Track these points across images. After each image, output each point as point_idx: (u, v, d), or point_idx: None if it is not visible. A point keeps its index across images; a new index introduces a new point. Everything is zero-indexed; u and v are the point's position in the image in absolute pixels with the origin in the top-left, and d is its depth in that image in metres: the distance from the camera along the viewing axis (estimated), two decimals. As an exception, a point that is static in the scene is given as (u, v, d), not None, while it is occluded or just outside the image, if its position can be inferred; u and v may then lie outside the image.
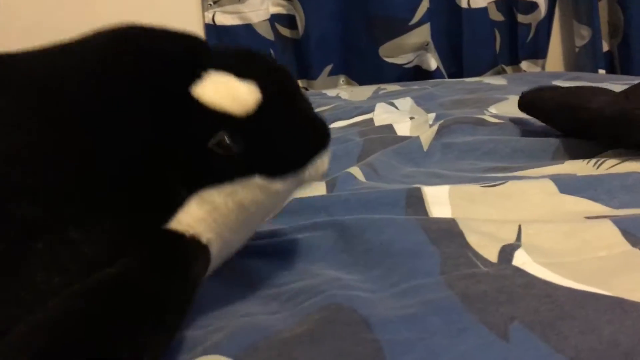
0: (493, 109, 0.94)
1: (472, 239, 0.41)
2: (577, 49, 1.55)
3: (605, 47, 1.55)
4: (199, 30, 1.34)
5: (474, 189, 0.51)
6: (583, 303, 0.34)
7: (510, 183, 0.51)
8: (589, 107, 0.61)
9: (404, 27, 1.37)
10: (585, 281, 0.36)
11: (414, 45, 1.39)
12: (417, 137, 0.71)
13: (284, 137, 0.34)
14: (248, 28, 1.33)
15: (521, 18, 1.50)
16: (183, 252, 0.30)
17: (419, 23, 1.38)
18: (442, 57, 1.45)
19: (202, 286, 0.32)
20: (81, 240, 0.28)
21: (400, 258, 0.41)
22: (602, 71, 1.50)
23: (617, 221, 0.42)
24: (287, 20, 1.38)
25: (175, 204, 0.31)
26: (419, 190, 0.50)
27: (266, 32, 1.34)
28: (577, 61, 1.57)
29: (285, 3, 1.37)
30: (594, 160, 0.60)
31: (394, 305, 0.35)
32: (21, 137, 0.29)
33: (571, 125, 0.66)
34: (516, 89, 1.13)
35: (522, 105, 0.74)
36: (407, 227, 0.43)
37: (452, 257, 0.39)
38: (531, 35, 1.51)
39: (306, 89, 1.40)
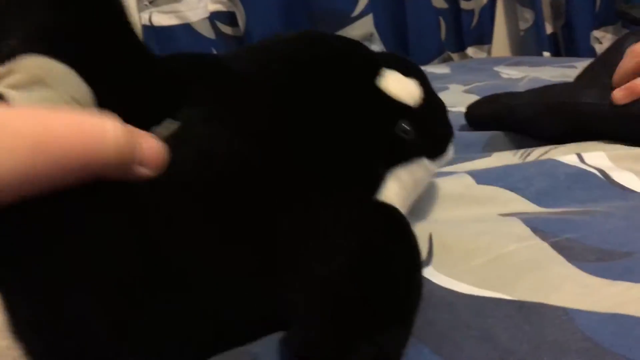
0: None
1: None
2: (521, 33, 1.56)
3: (549, 29, 1.56)
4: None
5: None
6: (482, 310, 0.33)
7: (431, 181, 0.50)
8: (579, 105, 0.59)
9: (347, 20, 1.36)
10: (488, 286, 0.35)
11: (358, 37, 1.38)
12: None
13: (438, 126, 0.42)
14: (187, 27, 1.29)
15: (464, 4, 1.49)
16: (404, 220, 0.33)
17: (362, 15, 1.36)
18: (389, 47, 1.44)
19: None
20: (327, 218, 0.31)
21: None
22: (546, 54, 1.51)
23: (526, 220, 0.41)
24: (228, 17, 1.35)
25: (379, 182, 0.35)
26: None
27: (206, 31, 1.31)
28: (522, 45, 1.58)
29: (224, 0, 1.34)
30: (520, 152, 0.60)
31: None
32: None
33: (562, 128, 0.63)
34: (458, 78, 1.13)
35: (476, 120, 0.71)
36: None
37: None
38: (475, 21, 1.51)
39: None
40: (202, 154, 0.29)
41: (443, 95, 0.95)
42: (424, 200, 0.47)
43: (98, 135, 0.22)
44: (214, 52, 1.32)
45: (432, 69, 1.28)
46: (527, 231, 0.40)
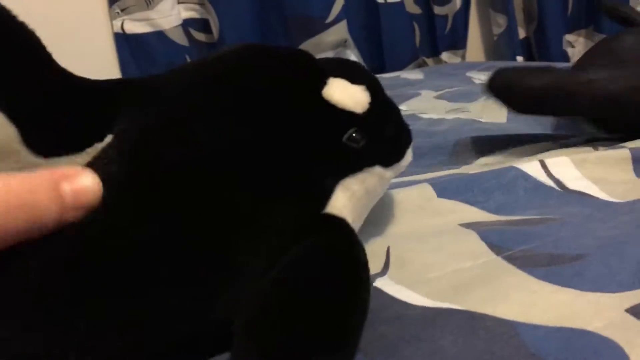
0: (404, 107, 0.94)
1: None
2: (495, 37, 1.58)
3: (522, 34, 1.58)
4: (108, 41, 1.29)
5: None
6: (433, 322, 0.33)
7: (388, 192, 0.50)
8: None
9: (321, 26, 1.36)
10: (441, 297, 0.35)
11: (332, 42, 1.38)
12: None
13: (390, 132, 0.40)
14: (160, 35, 1.29)
15: (438, 10, 1.50)
16: (349, 232, 0.33)
17: (336, 20, 1.37)
18: (363, 52, 1.45)
19: None
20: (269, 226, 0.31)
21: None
22: (520, 58, 1.52)
23: (483, 234, 0.41)
24: (201, 24, 1.34)
25: (327, 194, 0.35)
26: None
27: (179, 38, 1.30)
28: (495, 49, 1.60)
29: (197, 7, 1.33)
30: (486, 158, 0.60)
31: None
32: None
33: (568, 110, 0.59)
34: (430, 83, 1.13)
35: (495, 89, 0.61)
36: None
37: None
38: (449, 26, 1.53)
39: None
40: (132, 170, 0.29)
41: (415, 102, 0.97)
42: (384, 210, 0.47)
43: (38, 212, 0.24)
44: (188, 59, 1.32)
45: (406, 75, 1.29)
46: (483, 247, 0.40)
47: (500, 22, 1.55)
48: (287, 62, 0.37)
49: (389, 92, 1.08)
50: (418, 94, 1.04)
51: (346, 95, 0.37)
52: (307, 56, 0.39)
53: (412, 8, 1.50)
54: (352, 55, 1.40)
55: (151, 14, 1.28)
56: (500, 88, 0.61)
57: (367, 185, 0.38)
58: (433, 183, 0.50)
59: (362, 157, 0.37)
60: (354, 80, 0.38)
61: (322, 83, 0.37)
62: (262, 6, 1.35)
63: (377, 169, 0.39)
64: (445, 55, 1.54)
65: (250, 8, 1.34)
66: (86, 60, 1.30)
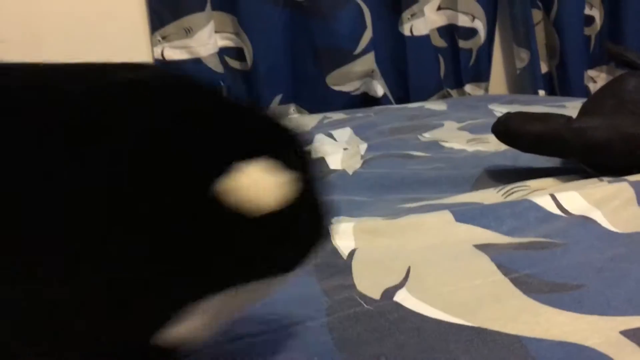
0: (428, 135, 0.99)
1: (362, 284, 0.44)
2: (517, 71, 1.62)
3: (544, 68, 1.62)
4: (148, 66, 1.37)
5: (377, 223, 0.54)
6: (447, 335, 0.37)
7: (411, 215, 0.55)
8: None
9: (349, 57, 1.42)
10: (454, 312, 0.39)
11: (360, 73, 1.44)
12: (344, 170, 0.75)
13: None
14: (197, 62, 1.36)
15: (462, 44, 1.56)
16: None
17: (364, 52, 1.43)
18: (389, 82, 1.50)
19: None
20: None
21: (296, 300, 0.44)
22: (542, 92, 1.56)
23: (493, 255, 0.46)
24: (236, 52, 1.41)
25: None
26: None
27: (215, 66, 1.38)
28: (518, 83, 1.64)
29: (233, 36, 1.41)
30: (506, 189, 0.65)
31: (277, 349, 0.38)
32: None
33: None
34: (454, 115, 1.18)
35: (500, 134, 0.68)
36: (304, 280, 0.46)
37: (340, 301, 0.42)
38: (473, 59, 1.58)
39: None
40: None
41: (438, 131, 1.02)
42: (406, 231, 0.52)
43: None
44: (222, 85, 1.39)
45: (430, 105, 1.34)
46: (492, 267, 0.45)
47: (523, 57, 1.59)
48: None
49: (410, 123, 1.14)
50: (441, 125, 1.08)
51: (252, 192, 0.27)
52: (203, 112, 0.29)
53: (438, 41, 1.55)
54: (379, 86, 1.46)
55: (190, 42, 1.35)
56: (503, 133, 0.69)
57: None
58: (452, 209, 0.55)
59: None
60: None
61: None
62: (293, 36, 1.42)
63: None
64: (468, 87, 1.59)
65: (283, 38, 1.41)
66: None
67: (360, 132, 1.04)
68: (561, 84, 1.59)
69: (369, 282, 0.45)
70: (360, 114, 1.27)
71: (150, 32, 1.35)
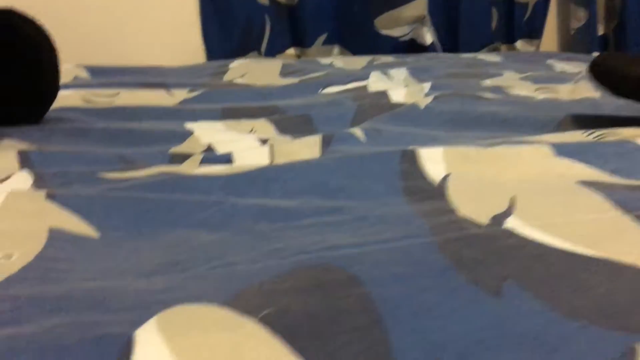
0: (488, 81, 0.94)
1: (464, 209, 0.41)
2: (572, 31, 1.55)
3: (601, 30, 1.54)
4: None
5: (469, 150, 0.50)
6: (574, 264, 0.33)
7: (505, 146, 0.50)
8: None
9: (401, 0, 1.36)
10: (576, 243, 0.35)
11: (411, 18, 1.38)
12: (414, 104, 0.70)
13: None
14: (243, -9, 1.30)
15: (519, -4, 1.48)
16: None
17: (417, -5, 1.36)
18: (439, 31, 1.44)
19: None
20: None
21: (390, 219, 0.40)
22: (596, 54, 1.49)
23: (610, 193, 0.41)
24: (283, -15, 1.35)
25: None
26: (413, 151, 0.49)
27: (261, -3, 1.32)
28: (571, 43, 1.57)
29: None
30: (595, 133, 0.60)
31: (383, 261, 0.34)
32: None
33: None
34: (511, 66, 1.12)
35: (598, 73, 0.63)
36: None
37: (443, 223, 0.39)
38: (528, 15, 1.50)
39: (299, 57, 1.38)
40: None
41: (498, 79, 0.96)
42: (500, 161, 0.48)
43: None
44: (267, 19, 1.33)
45: (482, 57, 1.27)
46: (607, 204, 0.40)
47: (580, 16, 1.52)
48: None
49: (467, 70, 1.08)
50: (500, 74, 1.03)
51: None
52: None
53: (494, -8, 1.48)
54: (428, 33, 1.39)
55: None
56: (604, 73, 0.63)
57: None
58: (549, 144, 0.51)
59: None
60: None
61: None
62: (345, -27, 1.35)
63: None
64: (519, 44, 1.52)
65: (334, -26, 1.35)
66: (168, 16, 1.32)
67: (415, 74, 0.99)
68: (618, 48, 1.52)
69: (471, 208, 0.41)
70: (410, 59, 1.22)
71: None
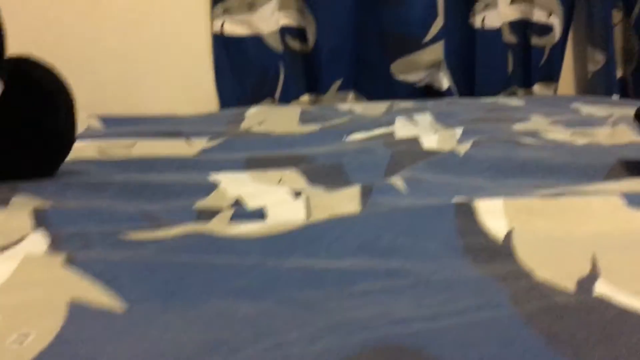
0: (519, 126, 0.90)
1: (541, 272, 0.36)
2: (589, 74, 1.52)
3: (619, 73, 1.52)
4: (205, 40, 1.29)
5: (532, 201, 0.45)
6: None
7: (570, 197, 0.46)
8: None
9: (417, 44, 1.34)
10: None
11: (427, 63, 1.35)
12: (453, 151, 0.66)
13: None
14: (256, 39, 1.28)
15: (535, 40, 1.46)
16: None
17: (433, 41, 1.34)
18: (455, 75, 1.41)
19: None
20: None
21: (457, 284, 0.35)
22: (616, 97, 1.46)
23: None
24: (297, 32, 1.33)
25: None
26: (469, 204, 0.44)
27: (275, 44, 1.30)
28: (589, 86, 1.54)
29: (296, 15, 1.33)
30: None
31: (464, 340, 0.29)
32: None
33: None
34: (537, 110, 1.09)
35: None
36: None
37: (523, 290, 0.34)
38: (544, 58, 1.48)
39: (314, 103, 1.35)
40: None
41: (528, 125, 0.92)
42: (571, 215, 0.43)
43: None
44: (281, 67, 1.31)
45: (504, 101, 1.24)
46: None
47: (597, 59, 1.49)
48: None
49: (492, 114, 1.04)
50: (527, 119, 0.99)
51: None
52: None
53: (509, 37, 1.46)
54: (444, 78, 1.37)
55: (251, 17, 1.28)
56: None
57: None
58: (619, 193, 0.46)
59: None
60: None
61: None
62: (361, 19, 1.34)
63: None
64: (537, 87, 1.49)
65: (348, 19, 1.33)
66: (182, 60, 1.31)
67: (440, 119, 0.95)
68: (637, 91, 1.49)
69: (548, 270, 0.36)
70: (430, 104, 1.18)
71: (212, 3, 1.27)
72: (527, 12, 1.46)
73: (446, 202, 0.45)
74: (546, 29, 1.46)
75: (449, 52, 1.38)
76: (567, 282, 0.34)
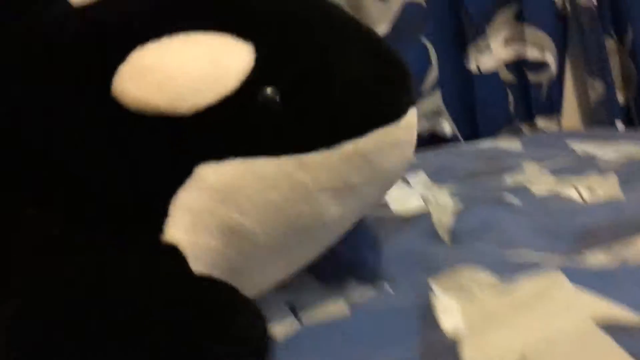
0: (509, 180, 0.94)
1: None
2: (592, 103, 1.54)
3: (621, 100, 1.54)
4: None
5: (488, 301, 0.49)
6: None
7: (526, 283, 0.49)
8: None
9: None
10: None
11: (427, 112, 1.40)
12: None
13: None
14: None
15: (532, 77, 1.50)
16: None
17: (430, 91, 1.39)
18: (456, 119, 1.46)
19: None
20: None
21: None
22: (620, 125, 1.48)
23: (622, 341, 0.40)
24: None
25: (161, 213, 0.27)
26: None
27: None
28: (593, 115, 1.56)
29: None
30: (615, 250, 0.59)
31: None
32: None
33: None
34: (532, 154, 1.12)
35: None
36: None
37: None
38: (544, 93, 1.51)
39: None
40: None
41: (515, 177, 0.96)
42: (501, 304, 0.47)
43: None
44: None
45: (503, 145, 1.28)
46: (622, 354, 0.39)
47: (597, 88, 1.52)
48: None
49: (489, 165, 1.07)
50: (519, 167, 1.03)
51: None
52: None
53: (506, 76, 1.50)
54: (446, 124, 1.41)
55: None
56: None
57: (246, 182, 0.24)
58: (565, 270, 0.50)
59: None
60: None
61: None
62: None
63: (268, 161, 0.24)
64: (540, 121, 1.52)
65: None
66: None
67: (434, 177, 1.00)
68: (640, 116, 1.51)
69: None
70: (430, 155, 1.23)
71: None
72: (520, 51, 1.50)
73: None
74: (542, 65, 1.49)
75: (448, 97, 1.43)
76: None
